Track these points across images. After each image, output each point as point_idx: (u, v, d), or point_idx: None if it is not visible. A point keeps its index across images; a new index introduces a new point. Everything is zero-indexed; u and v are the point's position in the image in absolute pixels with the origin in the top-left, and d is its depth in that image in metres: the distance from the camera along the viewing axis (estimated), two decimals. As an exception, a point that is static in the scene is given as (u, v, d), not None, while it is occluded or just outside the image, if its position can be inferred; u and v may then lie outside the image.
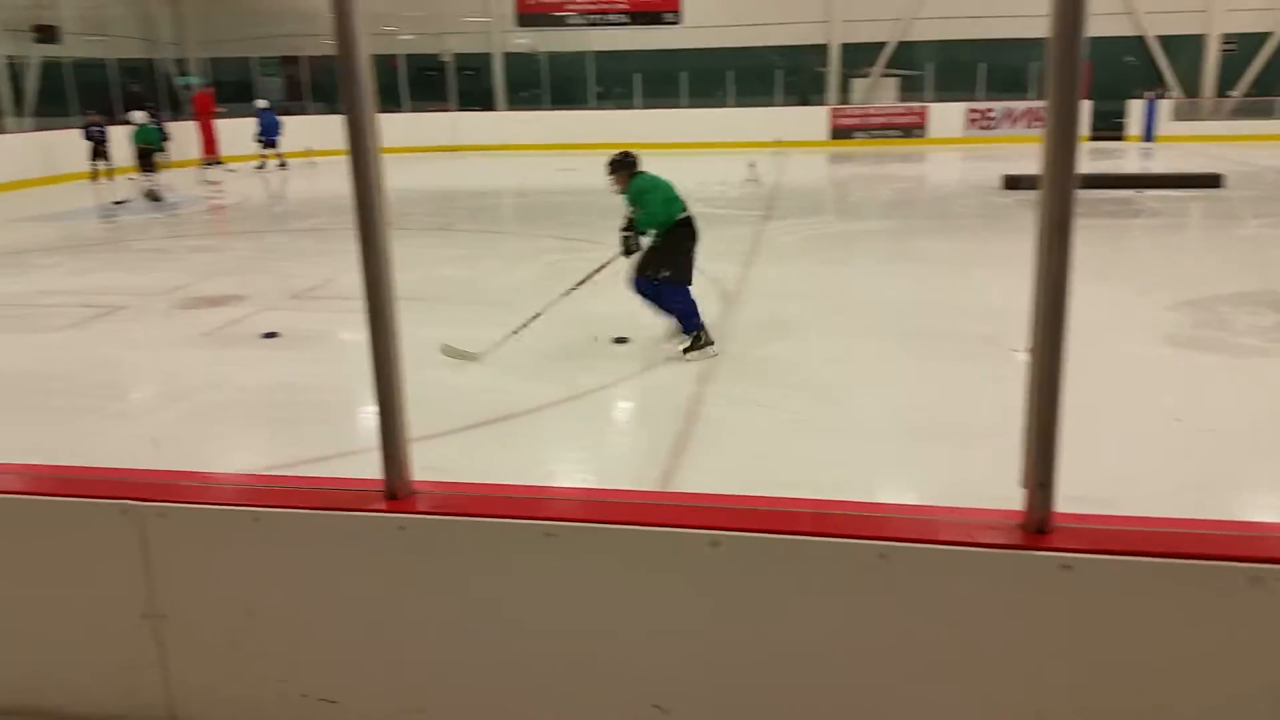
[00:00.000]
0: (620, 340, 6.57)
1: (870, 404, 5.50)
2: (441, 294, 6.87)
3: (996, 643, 1.96)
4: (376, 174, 2.03)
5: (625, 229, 6.33)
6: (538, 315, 6.37)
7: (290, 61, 26.55)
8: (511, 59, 26.61)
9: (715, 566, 2.04)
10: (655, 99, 25.26)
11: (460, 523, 2.15)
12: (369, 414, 5.26)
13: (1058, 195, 1.77)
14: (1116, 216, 12.28)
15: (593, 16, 24.18)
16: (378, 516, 2.17)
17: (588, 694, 2.19)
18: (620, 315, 6.66)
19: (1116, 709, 1.93)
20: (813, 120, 24.54)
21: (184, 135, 20.71)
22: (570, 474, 4.77)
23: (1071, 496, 1.98)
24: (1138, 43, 24.12)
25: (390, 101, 25.17)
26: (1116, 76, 22.88)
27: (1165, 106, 23.46)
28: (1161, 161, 19.53)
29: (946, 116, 24.23)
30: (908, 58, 25.13)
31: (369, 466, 2.30)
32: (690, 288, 6.35)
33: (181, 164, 19.78)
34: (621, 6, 24.04)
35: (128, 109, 18.88)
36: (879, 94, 25.32)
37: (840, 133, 24.60)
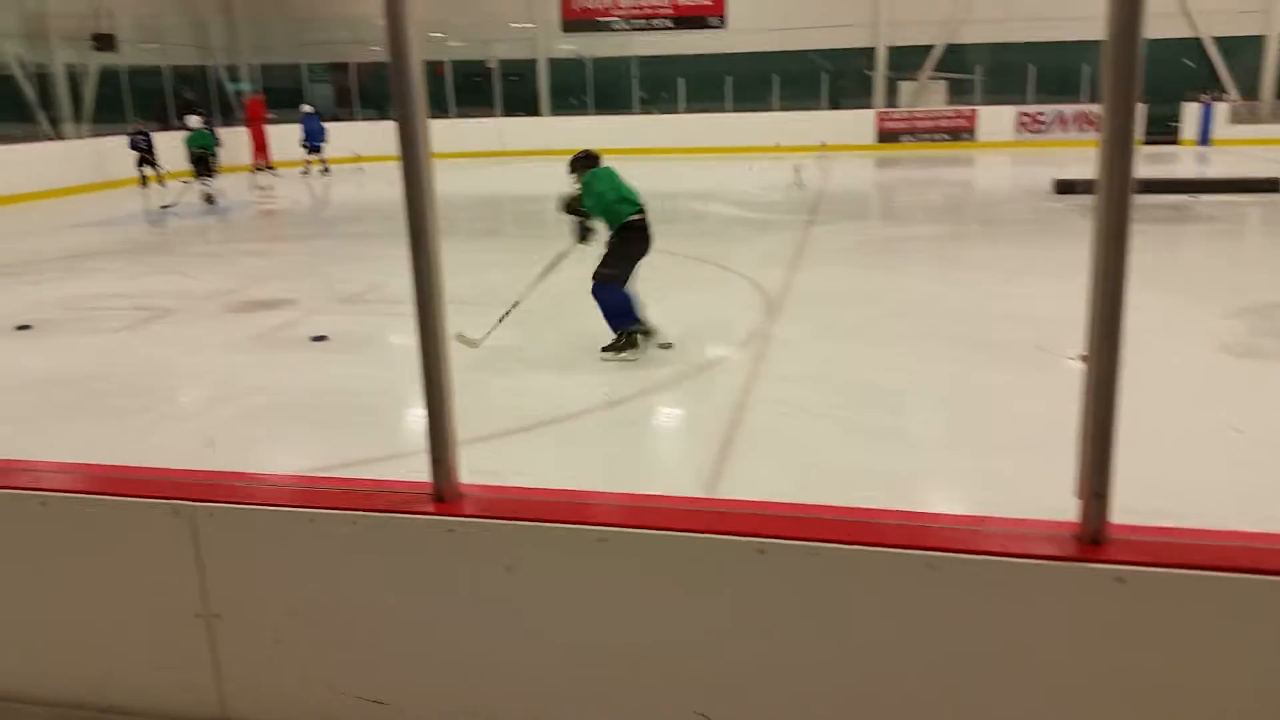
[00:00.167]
0: (665, 345, 6.57)
1: (919, 411, 5.44)
2: (488, 297, 6.91)
3: (1047, 656, 1.93)
4: (428, 180, 2.05)
5: (568, 208, 6.49)
6: (516, 304, 6.56)
7: (339, 68, 26.93)
8: (556, 65, 26.76)
9: (761, 574, 2.03)
10: (699, 103, 25.23)
11: (507, 526, 2.16)
12: (416, 417, 5.32)
13: (1114, 201, 1.74)
14: (1171, 222, 12.03)
15: (637, 22, 24.24)
16: (426, 519, 2.19)
17: (631, 699, 2.19)
18: (665, 321, 6.65)
19: (1173, 726, 1.89)
20: (859, 124, 24.36)
21: (235, 141, 21.10)
22: (614, 479, 4.77)
23: (1126, 508, 1.94)
24: (1194, 45, 23.62)
25: (437, 107, 25.42)
26: (1171, 79, 22.42)
27: (1221, 110, 22.96)
28: (1218, 166, 19.10)
29: (996, 120, 23.92)
30: (957, 60, 24.84)
31: (415, 469, 2.32)
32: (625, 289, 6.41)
33: (233, 169, 20.15)
34: (666, 12, 24.08)
35: (181, 115, 19.30)
36: (927, 97, 25.07)
37: (887, 136, 24.39)
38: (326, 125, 21.48)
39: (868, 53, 25.35)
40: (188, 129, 17.03)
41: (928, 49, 24.88)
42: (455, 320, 2.18)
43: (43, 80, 20.20)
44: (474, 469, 2.31)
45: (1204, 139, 22.76)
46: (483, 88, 26.53)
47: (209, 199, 16.14)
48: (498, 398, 5.67)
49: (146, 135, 18.62)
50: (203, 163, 16.43)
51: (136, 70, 22.59)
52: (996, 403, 5.46)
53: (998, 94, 24.33)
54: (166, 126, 21.61)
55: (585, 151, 6.54)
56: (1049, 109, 23.73)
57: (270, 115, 22.46)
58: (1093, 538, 1.90)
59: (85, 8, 20.88)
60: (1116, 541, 1.90)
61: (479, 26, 25.52)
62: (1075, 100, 23.77)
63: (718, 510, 2.18)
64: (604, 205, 6.28)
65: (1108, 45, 1.69)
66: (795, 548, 2.00)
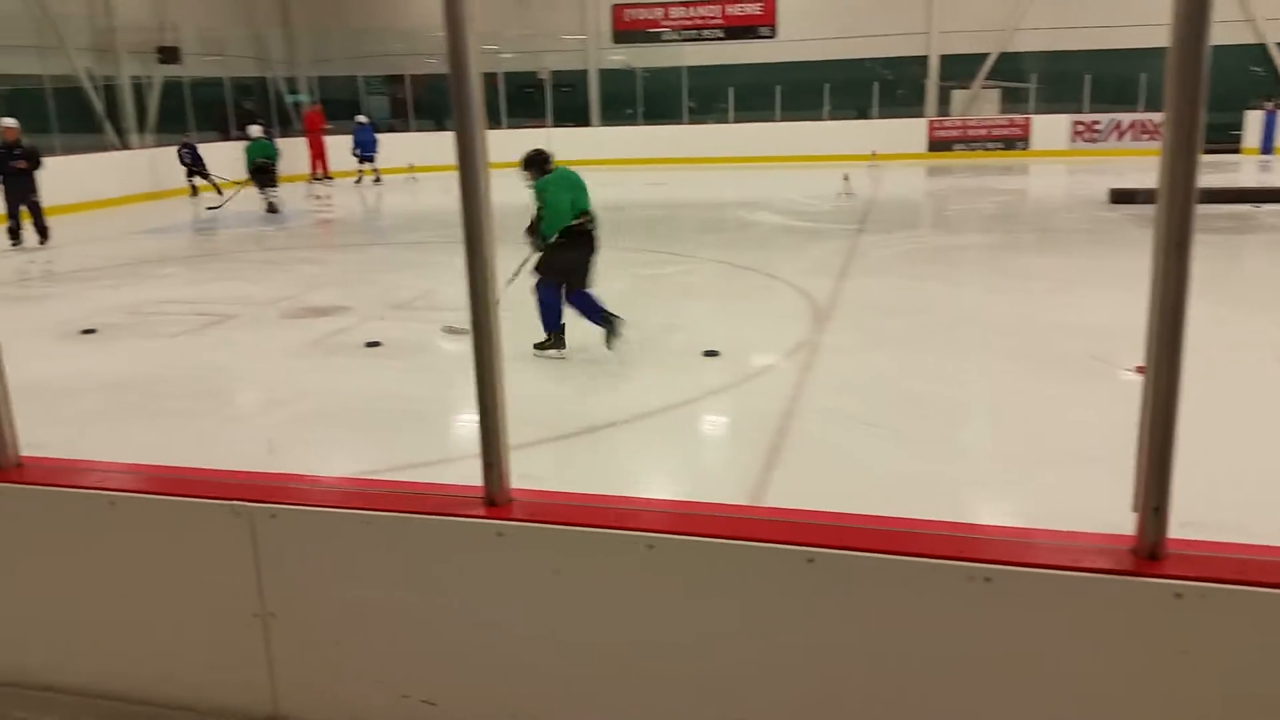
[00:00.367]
0: (711, 353, 6.57)
1: (969, 422, 5.38)
2: (533, 304, 6.98)
3: (1102, 671, 1.90)
4: (485, 189, 2.09)
5: (529, 231, 6.65)
6: (497, 301, 6.58)
7: (395, 80, 27.35)
8: (606, 75, 26.92)
9: (810, 584, 2.02)
10: (749, 113, 25.19)
11: (556, 531, 2.17)
12: (465, 422, 5.39)
13: (1176, 212, 1.71)
14: (1233, 232, 11.74)
15: (688, 32, 24.30)
16: (477, 522, 2.22)
17: (674, 706, 2.19)
18: (712, 329, 6.66)
19: (1232, 746, 1.85)
20: (910, 133, 24.15)
21: (293, 151, 21.54)
22: (662, 486, 4.78)
23: (1184, 522, 1.90)
24: (1257, 51, 23.06)
25: (490, 118, 25.55)
26: (1233, 86, 21.90)
27: (1286, 117, 22.37)
28: (1282, 175, 18.63)
29: (1050, 129, 23.56)
30: (1011, 69, 24.52)
31: (465, 474, 2.35)
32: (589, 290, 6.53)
33: (290, 179, 20.55)
34: (717, 22, 24.12)
35: (242, 125, 19.75)
36: (980, 106, 24.77)
37: (938, 145, 24.15)
38: (380, 136, 21.83)
39: (920, 61, 25.12)
40: (248, 139, 17.43)
41: (981, 57, 24.59)
42: (504, 326, 2.21)
43: (110, 92, 20.80)
44: (521, 473, 2.33)
45: (1267, 148, 22.19)
46: (534, 98, 26.77)
47: (272, 208, 16.51)
48: (546, 402, 5.71)
49: (192, 147, 19.17)
50: (264, 172, 16.81)
51: (198, 82, 23.17)
52: (1049, 414, 5.38)
53: (1053, 102, 23.95)
54: (227, 136, 22.14)
55: (538, 151, 6.66)
56: (1105, 118, 23.31)
57: (328, 126, 22.88)
58: (1150, 552, 1.87)
59: (151, 21, 21.49)
60: (1174, 556, 1.87)
61: (531, 38, 25.77)
62: (1132, 109, 23.32)
63: (767, 518, 2.18)
64: (556, 213, 6.41)
65: (1172, 52, 1.67)
66: (845, 557, 1.99)
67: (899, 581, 1.97)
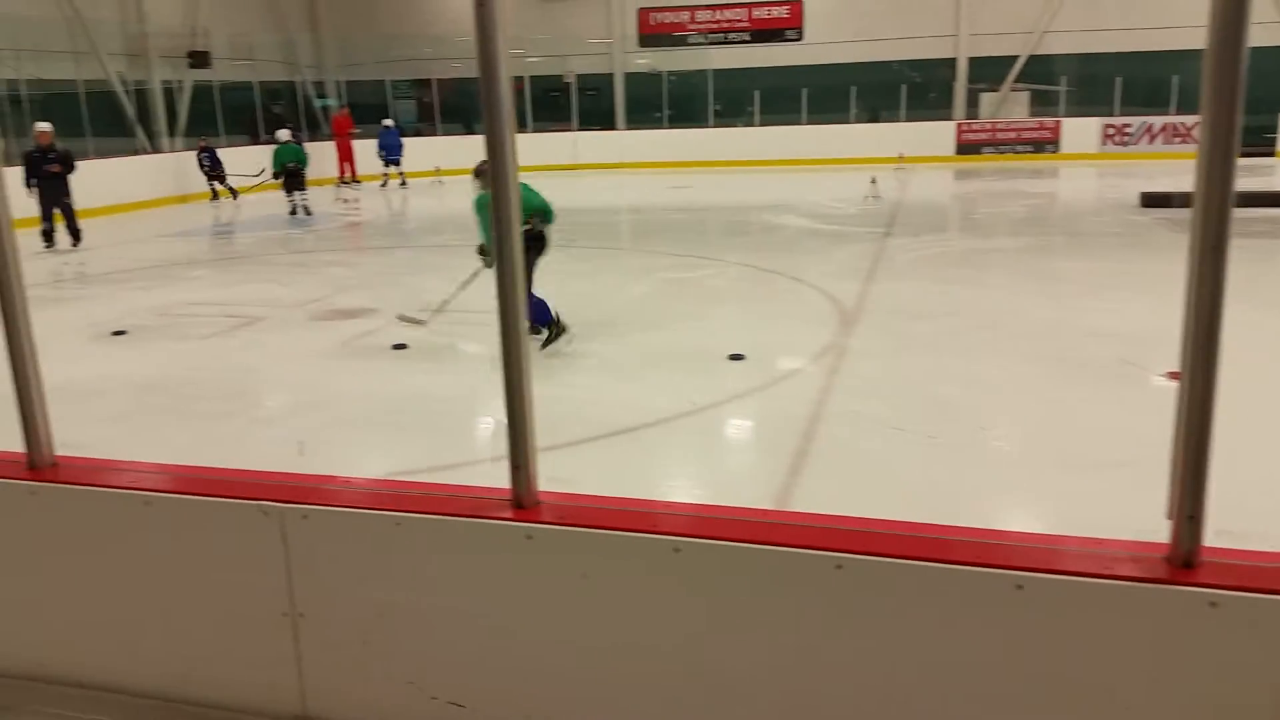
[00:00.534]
0: (736, 357, 6.55)
1: (1002, 428, 5.33)
2: (563, 308, 6.99)
3: (1135, 680, 1.88)
4: (514, 191, 2.10)
5: (482, 251, 6.81)
6: (446, 302, 7.15)
7: (423, 84, 27.52)
8: (632, 79, 26.94)
9: (838, 590, 2.01)
10: (775, 116, 25.14)
11: (584, 534, 2.18)
12: (490, 425, 5.40)
13: (1213, 215, 1.69)
14: (1268, 236, 11.57)
15: (714, 36, 24.28)
16: (507, 525, 2.23)
17: (701, 710, 2.18)
18: (738, 333, 6.64)
19: (1269, 758, 1.82)
20: (938, 135, 24.00)
21: (322, 155, 21.72)
22: (687, 489, 4.77)
23: (1218, 530, 1.88)
24: (1293, 52, 22.73)
25: (516, 122, 25.74)
26: (1269, 88, 21.58)
27: (1323, 120, 22.03)
28: (1318, 178, 18.36)
29: (1081, 132, 23.33)
30: (1041, 71, 24.31)
31: (491, 476, 2.36)
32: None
33: (319, 182, 20.73)
34: (743, 25, 24.08)
35: (271, 129, 19.96)
36: (1009, 109, 24.57)
37: (967, 148, 23.98)
38: (407, 140, 21.97)
39: (949, 63, 24.95)
40: (277, 142, 17.62)
41: (1011, 59, 24.39)
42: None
43: (141, 96, 21.07)
44: (549, 476, 2.33)
45: (1303, 150, 21.87)
46: (560, 102, 26.85)
47: (305, 210, 16.67)
48: (573, 405, 5.72)
49: (211, 151, 19.46)
50: (293, 175, 16.97)
51: (228, 86, 23.42)
52: (1079, 419, 5.32)
53: (1083, 105, 23.71)
54: (256, 140, 22.37)
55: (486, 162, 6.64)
56: (1136, 121, 23.06)
57: (356, 130, 23.07)
58: (1184, 560, 1.84)
59: (182, 26, 21.76)
60: (1209, 565, 1.84)
61: (557, 42, 25.85)
62: (1164, 112, 23.04)
63: (794, 523, 2.17)
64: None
65: (1209, 54, 1.65)
66: (873, 563, 1.98)
67: (928, 588, 1.96)
